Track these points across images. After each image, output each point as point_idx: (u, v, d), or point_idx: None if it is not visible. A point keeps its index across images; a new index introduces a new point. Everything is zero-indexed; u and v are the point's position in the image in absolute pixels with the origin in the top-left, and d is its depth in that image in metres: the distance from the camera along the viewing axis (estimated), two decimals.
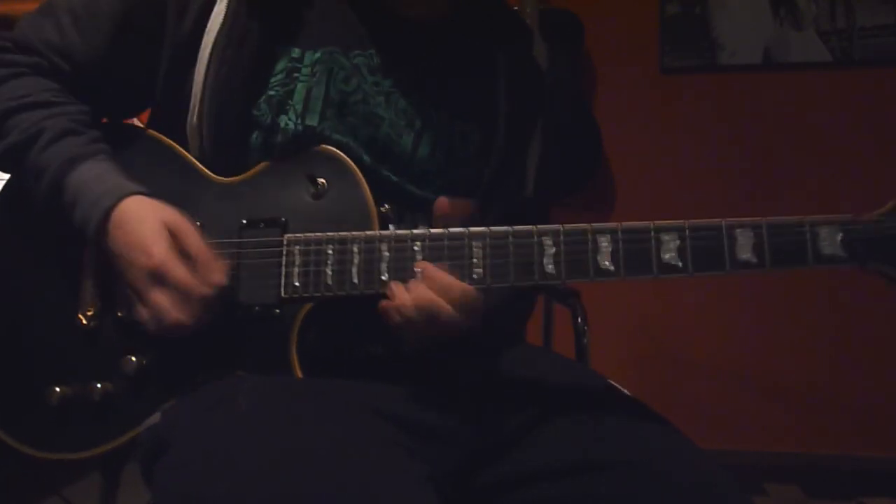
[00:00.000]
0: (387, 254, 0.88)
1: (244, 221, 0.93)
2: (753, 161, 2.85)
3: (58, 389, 0.92)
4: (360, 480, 0.73)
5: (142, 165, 0.97)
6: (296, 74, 0.96)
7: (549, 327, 2.04)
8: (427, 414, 0.91)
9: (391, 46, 1.01)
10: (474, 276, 0.86)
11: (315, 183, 0.93)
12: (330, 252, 0.90)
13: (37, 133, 0.92)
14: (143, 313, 0.88)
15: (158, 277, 0.86)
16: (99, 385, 0.92)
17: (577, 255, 0.84)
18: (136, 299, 0.88)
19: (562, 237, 0.85)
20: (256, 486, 0.73)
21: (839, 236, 0.81)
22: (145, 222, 0.88)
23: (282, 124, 0.95)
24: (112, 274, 0.92)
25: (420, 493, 0.74)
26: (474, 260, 0.86)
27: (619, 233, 0.84)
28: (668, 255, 0.83)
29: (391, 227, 0.93)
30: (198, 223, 0.91)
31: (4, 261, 1.00)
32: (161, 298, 0.86)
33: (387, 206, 0.93)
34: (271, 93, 0.95)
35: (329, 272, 0.89)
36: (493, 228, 0.87)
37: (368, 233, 0.89)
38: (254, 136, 0.95)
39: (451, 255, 0.87)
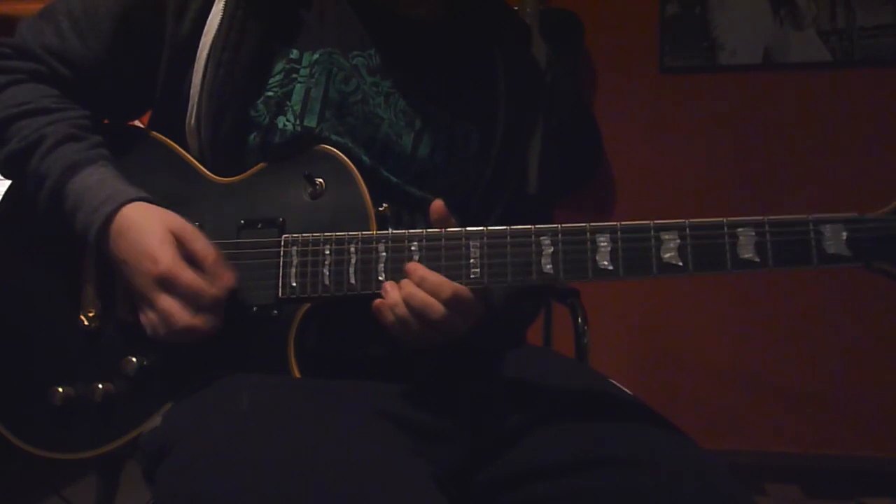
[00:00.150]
0: (384, 254, 0.88)
1: (242, 222, 0.93)
2: (753, 161, 2.85)
3: (60, 390, 0.93)
4: (362, 480, 0.73)
5: (141, 166, 0.97)
6: (294, 75, 0.96)
7: (549, 327, 2.04)
8: (427, 414, 0.91)
9: (390, 46, 1.01)
10: (471, 275, 0.86)
11: (313, 183, 0.92)
12: (327, 252, 0.89)
13: (37, 140, 0.92)
14: (152, 319, 0.87)
15: (166, 284, 0.86)
16: (100, 385, 0.92)
17: (576, 255, 0.84)
18: (144, 306, 0.88)
19: (560, 236, 0.84)
20: (259, 486, 0.73)
21: (844, 235, 0.79)
22: (150, 229, 0.88)
23: (280, 125, 0.95)
24: (112, 276, 0.93)
25: (422, 492, 0.74)
26: (471, 260, 0.86)
27: (619, 232, 0.83)
28: (669, 255, 0.82)
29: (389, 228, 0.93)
30: (196, 224, 0.91)
31: (6, 263, 1.01)
32: (170, 304, 0.86)
33: (385, 205, 0.93)
34: (269, 94, 0.95)
35: (326, 272, 0.89)
36: (491, 228, 0.86)
37: (366, 233, 0.89)
38: (252, 136, 0.95)
39: (448, 254, 0.86)
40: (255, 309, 0.90)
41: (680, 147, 2.89)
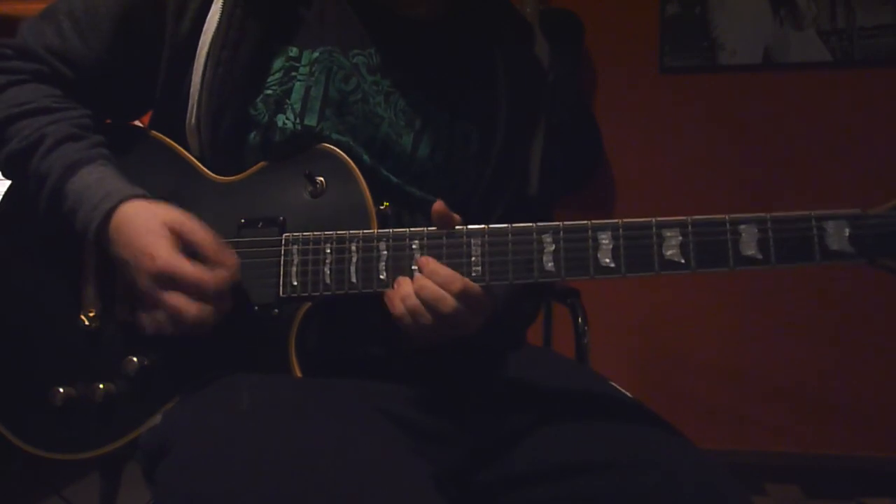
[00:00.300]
0: (385, 252, 0.88)
1: (242, 221, 0.93)
2: (753, 161, 2.84)
3: (61, 390, 0.92)
4: (362, 480, 0.73)
5: (142, 166, 0.97)
6: (293, 73, 0.96)
7: (549, 327, 2.04)
8: (427, 414, 0.91)
9: (391, 46, 1.01)
10: (473, 273, 0.86)
11: (314, 181, 0.92)
12: (328, 251, 0.89)
13: (38, 140, 0.92)
14: (159, 317, 0.87)
15: (167, 279, 0.85)
16: (101, 386, 0.92)
17: (577, 252, 0.84)
18: (150, 305, 0.87)
19: (562, 234, 0.84)
20: (259, 486, 0.73)
21: (847, 231, 0.79)
22: (145, 225, 0.88)
23: (279, 123, 0.95)
24: (113, 276, 0.93)
25: (422, 492, 0.74)
26: (473, 258, 0.86)
27: (620, 229, 0.83)
28: (671, 252, 0.82)
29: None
30: None
31: (7, 263, 1.00)
32: (176, 299, 0.85)
33: (385, 203, 0.93)
34: (268, 92, 0.95)
35: (327, 271, 0.89)
36: (492, 226, 0.86)
37: (367, 231, 0.89)
38: (252, 135, 0.95)
39: (449, 252, 0.86)
40: (256, 308, 0.90)
41: (680, 147, 2.89)
